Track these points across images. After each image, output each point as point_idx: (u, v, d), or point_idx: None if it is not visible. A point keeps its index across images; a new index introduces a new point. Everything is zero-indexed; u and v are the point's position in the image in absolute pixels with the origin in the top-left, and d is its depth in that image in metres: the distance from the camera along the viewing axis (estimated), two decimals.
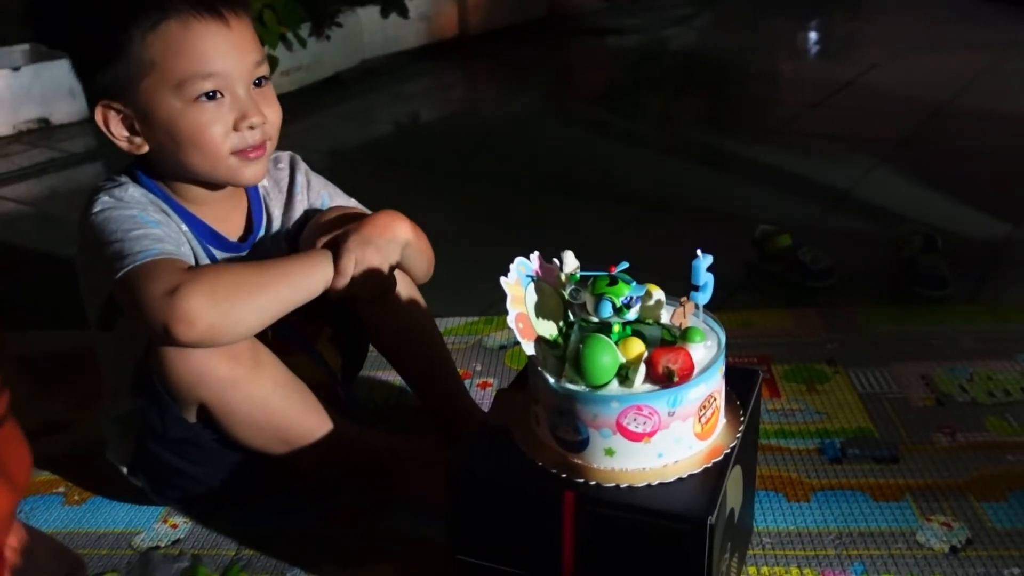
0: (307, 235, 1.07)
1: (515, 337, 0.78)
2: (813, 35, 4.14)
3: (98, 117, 0.98)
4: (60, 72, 2.74)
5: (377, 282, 1.00)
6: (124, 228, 0.94)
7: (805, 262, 1.59)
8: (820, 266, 1.58)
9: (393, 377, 1.21)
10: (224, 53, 0.95)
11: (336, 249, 0.98)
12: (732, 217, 1.91)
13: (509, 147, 2.58)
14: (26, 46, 2.94)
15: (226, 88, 0.96)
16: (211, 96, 0.95)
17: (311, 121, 2.87)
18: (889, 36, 3.71)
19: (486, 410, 1.15)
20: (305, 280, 0.96)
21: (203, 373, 0.93)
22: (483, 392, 1.29)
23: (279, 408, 0.98)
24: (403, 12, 3.43)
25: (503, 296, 0.78)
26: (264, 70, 1.00)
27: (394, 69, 3.48)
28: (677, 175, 2.26)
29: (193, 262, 0.99)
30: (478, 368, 1.36)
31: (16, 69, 2.77)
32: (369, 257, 0.98)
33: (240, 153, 0.98)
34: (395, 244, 1.01)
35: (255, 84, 0.99)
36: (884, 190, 2.04)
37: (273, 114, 1.00)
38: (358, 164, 2.48)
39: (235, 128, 0.97)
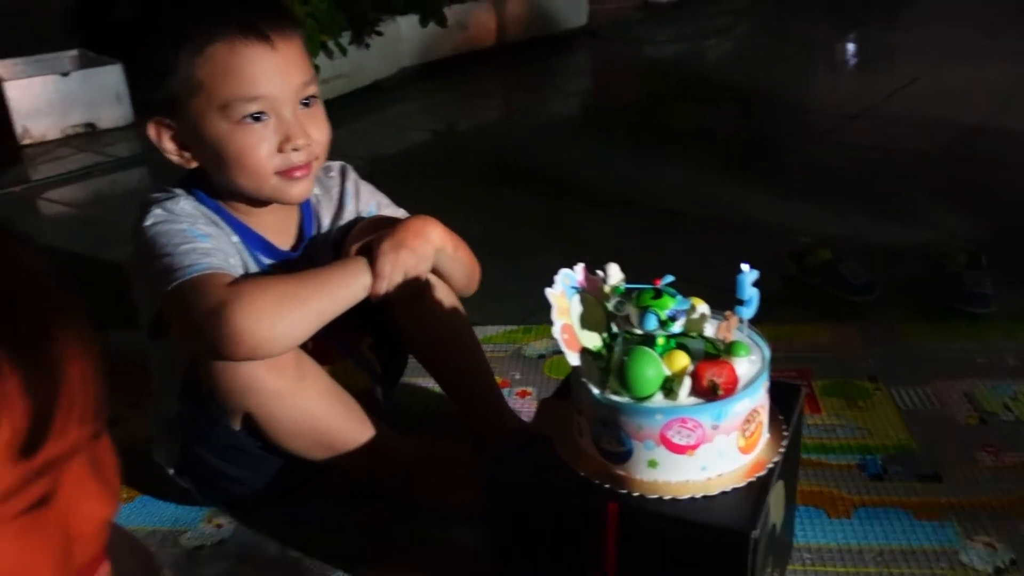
0: (345, 244, 1.08)
1: (555, 346, 0.79)
2: (852, 47, 4.11)
3: (151, 132, 1.01)
4: (107, 78, 2.80)
5: (412, 284, 1.01)
6: (174, 242, 0.96)
7: (846, 276, 1.58)
8: (861, 280, 1.57)
9: (433, 384, 1.22)
10: (270, 76, 0.96)
11: (370, 255, 0.99)
12: (771, 229, 1.90)
13: (545, 155, 2.59)
14: (74, 52, 3.01)
15: (272, 110, 0.97)
16: (257, 118, 0.97)
17: (351, 128, 2.89)
18: (929, 48, 3.67)
19: (525, 419, 1.16)
20: (344, 289, 0.98)
21: (250, 385, 0.95)
22: (522, 401, 1.30)
23: (323, 417, 1.00)
24: (441, 21, 3.45)
25: (542, 305, 0.79)
26: (312, 90, 1.01)
27: (432, 77, 3.51)
28: (714, 186, 2.25)
29: (242, 272, 1.01)
30: (517, 377, 1.37)
31: (64, 75, 2.83)
32: (403, 259, 0.99)
33: (284, 173, 1.00)
34: (428, 247, 1.02)
35: (303, 104, 1.00)
36: (926, 204, 2.02)
37: (320, 134, 1.02)
38: (396, 171, 2.50)
39: (280, 149, 0.98)
